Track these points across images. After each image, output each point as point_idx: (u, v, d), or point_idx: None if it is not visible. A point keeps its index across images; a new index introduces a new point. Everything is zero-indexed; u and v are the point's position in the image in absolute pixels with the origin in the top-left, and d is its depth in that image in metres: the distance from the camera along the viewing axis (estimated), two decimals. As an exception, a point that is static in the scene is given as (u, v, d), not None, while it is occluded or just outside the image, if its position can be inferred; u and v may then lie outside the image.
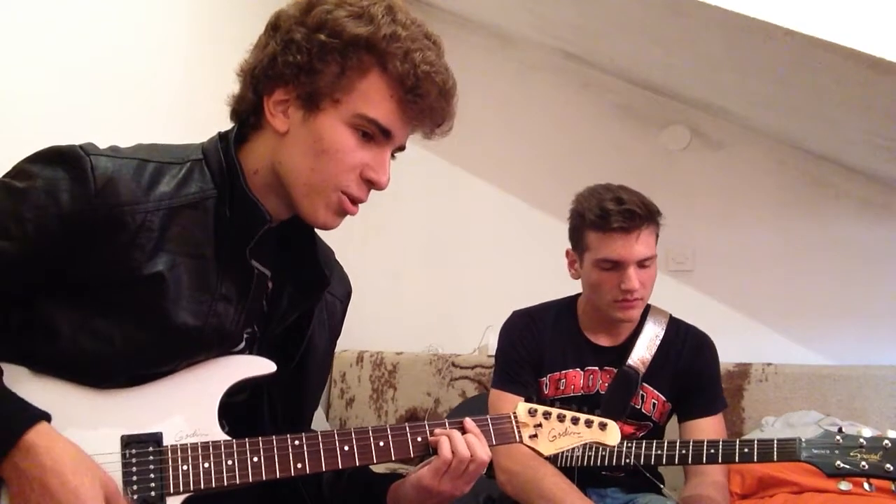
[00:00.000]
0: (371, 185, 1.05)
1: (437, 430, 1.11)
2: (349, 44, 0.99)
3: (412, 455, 1.10)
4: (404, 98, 1.01)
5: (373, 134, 1.02)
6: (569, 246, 1.82)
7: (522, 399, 1.72)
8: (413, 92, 1.00)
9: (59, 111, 2.18)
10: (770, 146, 2.70)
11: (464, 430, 1.12)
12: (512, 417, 1.18)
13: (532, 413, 1.19)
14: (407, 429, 1.10)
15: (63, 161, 0.95)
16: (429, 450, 1.10)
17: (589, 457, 1.64)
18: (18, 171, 0.97)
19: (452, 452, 1.08)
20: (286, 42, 1.01)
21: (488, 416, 1.17)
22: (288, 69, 1.00)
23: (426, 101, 1.02)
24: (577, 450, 1.25)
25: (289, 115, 1.03)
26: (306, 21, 1.00)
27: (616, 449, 1.59)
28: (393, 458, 1.08)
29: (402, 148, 1.08)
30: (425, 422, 1.12)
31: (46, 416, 0.91)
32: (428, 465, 1.11)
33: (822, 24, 1.70)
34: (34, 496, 0.87)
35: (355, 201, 1.05)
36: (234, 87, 1.09)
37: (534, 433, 1.18)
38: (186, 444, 0.99)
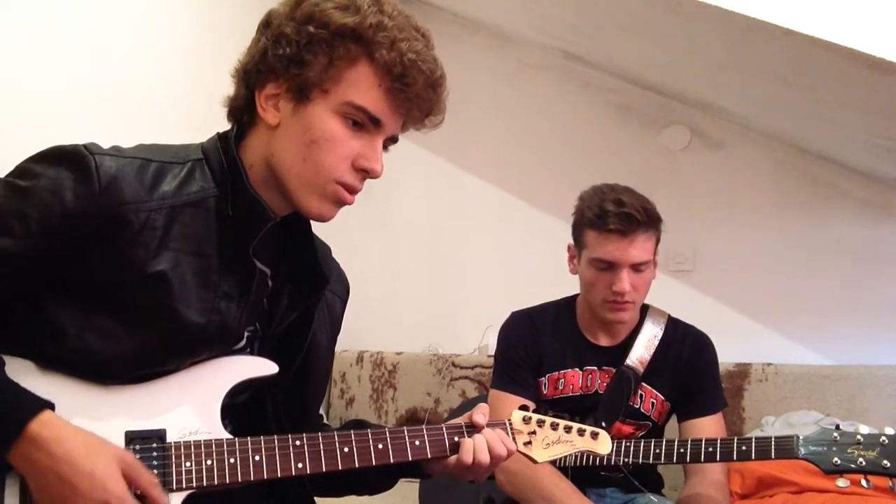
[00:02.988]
0: (365, 174, 1.06)
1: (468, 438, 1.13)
2: (336, 34, 1.00)
3: (409, 458, 1.11)
4: (391, 86, 1.02)
5: (362, 122, 1.03)
6: (571, 241, 1.82)
7: (522, 399, 1.74)
8: (400, 80, 1.01)
9: (60, 111, 2.19)
10: (770, 146, 2.71)
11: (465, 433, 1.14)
12: (507, 424, 1.20)
13: (526, 421, 1.20)
14: (405, 432, 1.11)
15: (67, 160, 0.96)
16: (427, 453, 1.12)
17: (588, 457, 1.64)
18: (22, 170, 0.98)
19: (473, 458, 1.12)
20: (276, 36, 1.02)
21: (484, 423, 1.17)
22: (278, 62, 1.02)
23: (413, 90, 1.02)
24: (570, 457, 1.27)
25: (279, 108, 1.04)
26: (295, 15, 1.02)
27: (615, 447, 1.59)
28: (391, 461, 1.09)
29: (394, 139, 1.09)
30: (423, 426, 1.13)
31: (49, 405, 0.91)
32: (453, 465, 1.14)
33: (822, 24, 1.70)
34: (51, 486, 0.88)
35: (351, 191, 1.06)
36: (231, 88, 1.10)
37: (528, 440, 1.20)
38: (189, 442, 1.00)
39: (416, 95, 1.03)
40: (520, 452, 1.19)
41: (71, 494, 0.87)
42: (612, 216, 1.66)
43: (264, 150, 1.06)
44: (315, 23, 1.01)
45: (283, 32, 1.02)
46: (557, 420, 1.22)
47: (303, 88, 1.02)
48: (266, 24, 1.06)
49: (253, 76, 1.05)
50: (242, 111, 1.08)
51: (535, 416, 1.21)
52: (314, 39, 1.00)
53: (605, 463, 1.64)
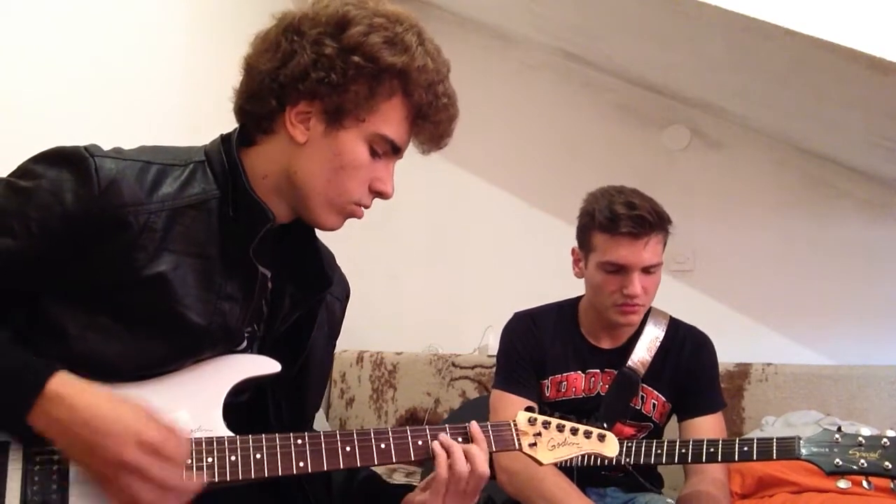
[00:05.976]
0: (378, 195, 1.10)
1: (441, 437, 1.11)
2: (384, 70, 1.02)
3: (413, 458, 1.10)
4: (416, 121, 1.07)
5: (385, 151, 1.07)
6: (575, 244, 1.81)
7: (524, 400, 1.74)
8: (428, 119, 1.07)
9: (60, 111, 2.18)
10: (770, 146, 2.71)
11: (468, 437, 1.13)
12: (512, 425, 1.19)
13: (532, 422, 1.20)
14: (408, 432, 1.11)
15: (68, 162, 0.96)
16: (430, 453, 1.11)
17: (589, 457, 1.64)
18: (23, 171, 0.98)
19: (449, 470, 1.09)
20: (317, 56, 1.01)
21: (488, 423, 1.17)
22: (321, 86, 1.02)
23: (438, 129, 1.09)
24: (575, 458, 1.26)
25: (309, 126, 1.04)
26: (339, 38, 1.01)
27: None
28: (394, 461, 1.09)
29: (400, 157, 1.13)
30: (426, 426, 1.13)
31: (63, 366, 0.92)
32: (429, 489, 1.11)
33: (822, 24, 1.70)
34: (81, 438, 0.89)
35: (363, 207, 1.10)
36: (235, 82, 1.09)
37: (533, 441, 1.19)
38: (191, 440, 1.00)
39: (439, 133, 1.10)
40: (525, 454, 1.18)
41: (104, 441, 0.88)
42: (625, 219, 1.64)
43: (285, 162, 1.06)
44: (362, 55, 1.01)
45: (324, 53, 1.01)
46: (563, 422, 1.21)
47: (339, 114, 1.03)
48: (298, 32, 1.03)
49: (288, 91, 1.03)
50: (262, 119, 1.07)
51: (541, 418, 1.20)
52: (360, 72, 1.01)
53: (606, 463, 1.64)
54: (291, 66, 1.02)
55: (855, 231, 2.55)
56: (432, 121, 1.07)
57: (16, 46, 2.11)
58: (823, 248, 2.59)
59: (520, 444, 1.18)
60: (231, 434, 1.03)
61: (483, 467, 1.10)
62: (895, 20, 1.64)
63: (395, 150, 1.08)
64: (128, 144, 1.06)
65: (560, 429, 1.20)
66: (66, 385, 0.90)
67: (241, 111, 1.09)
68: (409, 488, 1.20)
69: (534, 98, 3.18)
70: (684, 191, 2.79)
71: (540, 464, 1.19)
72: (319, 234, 1.19)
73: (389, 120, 1.05)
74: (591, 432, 1.22)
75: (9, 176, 0.99)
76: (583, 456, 1.58)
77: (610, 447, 1.22)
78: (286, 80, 1.03)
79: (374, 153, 1.06)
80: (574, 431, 1.21)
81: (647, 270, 1.68)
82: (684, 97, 2.81)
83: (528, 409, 1.22)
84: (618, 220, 1.65)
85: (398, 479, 2.61)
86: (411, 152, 1.14)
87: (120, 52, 2.40)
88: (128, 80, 2.40)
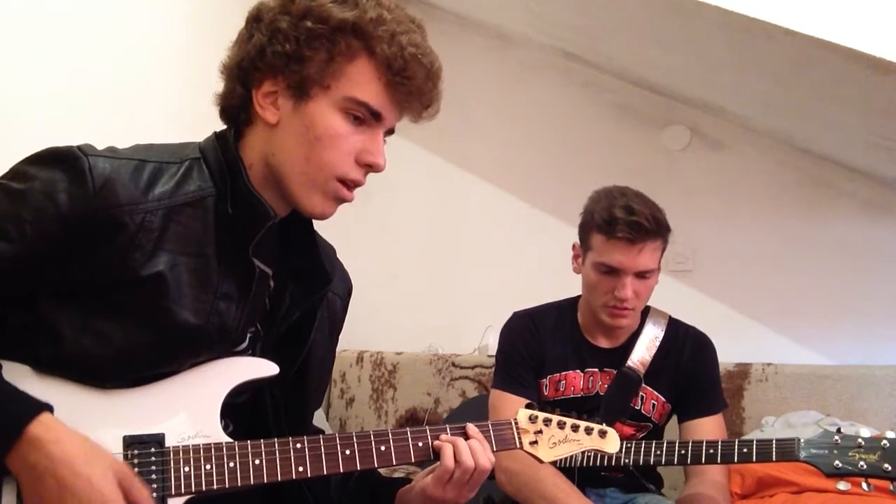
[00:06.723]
0: (369, 168, 1.06)
1: (442, 437, 1.10)
2: (336, 29, 1.00)
3: (413, 460, 1.10)
4: (392, 80, 1.02)
5: (364, 118, 1.03)
6: (576, 240, 1.82)
7: (523, 400, 1.74)
8: (401, 74, 1.01)
9: (60, 111, 2.18)
10: (770, 146, 2.70)
11: (467, 436, 1.12)
12: (513, 424, 1.18)
13: (533, 420, 1.19)
14: (408, 433, 1.10)
15: (61, 162, 0.95)
16: (430, 454, 1.10)
17: (588, 457, 1.64)
18: (16, 173, 0.97)
19: (455, 461, 1.08)
20: (272, 32, 1.01)
21: (489, 423, 1.16)
22: (277, 59, 1.01)
23: (414, 83, 1.03)
24: (576, 457, 1.24)
25: (279, 105, 1.03)
26: (291, 10, 1.01)
27: (615, 449, 1.59)
28: (394, 463, 1.08)
29: (391, 131, 1.09)
30: (426, 426, 1.12)
31: (48, 407, 0.90)
32: (432, 474, 1.11)
33: (822, 24, 1.70)
34: (47, 489, 0.87)
35: (353, 186, 1.06)
36: (221, 85, 1.09)
37: (534, 440, 1.18)
38: (189, 446, 0.99)
39: (416, 89, 1.04)
40: (526, 452, 1.17)
41: (68, 498, 0.86)
42: (622, 224, 1.64)
43: (263, 148, 1.05)
44: (313, 18, 1.00)
45: (279, 28, 1.01)
46: (564, 419, 1.20)
47: (303, 85, 1.01)
48: (257, 19, 1.04)
49: (250, 74, 1.03)
50: (238, 110, 1.07)
51: (542, 415, 1.19)
52: (313, 35, 1.00)
53: (606, 463, 1.64)
54: (249, 49, 1.03)
55: (855, 231, 2.54)
56: (406, 76, 1.01)
57: (16, 46, 2.11)
58: (823, 248, 2.58)
59: (521, 443, 1.17)
60: (229, 440, 1.02)
61: (485, 463, 1.10)
62: (895, 20, 1.64)
63: (376, 116, 1.03)
64: (128, 145, 1.05)
65: (561, 426, 1.19)
66: (46, 430, 0.87)
67: (223, 112, 1.09)
68: (406, 481, 1.19)
69: (534, 98, 3.18)
70: (684, 191, 2.78)
71: (541, 461, 1.18)
72: (319, 229, 1.18)
73: (358, 82, 1.01)
74: (591, 429, 1.21)
75: (1, 178, 0.98)
76: (583, 454, 1.58)
77: (611, 444, 1.21)
78: (247, 63, 1.03)
79: (356, 120, 1.03)
80: (575, 428, 1.20)
81: (641, 275, 1.69)
82: (684, 97, 2.81)
83: (529, 406, 1.21)
84: (615, 224, 1.65)
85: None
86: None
87: (120, 52, 2.40)
88: (128, 80, 2.40)
